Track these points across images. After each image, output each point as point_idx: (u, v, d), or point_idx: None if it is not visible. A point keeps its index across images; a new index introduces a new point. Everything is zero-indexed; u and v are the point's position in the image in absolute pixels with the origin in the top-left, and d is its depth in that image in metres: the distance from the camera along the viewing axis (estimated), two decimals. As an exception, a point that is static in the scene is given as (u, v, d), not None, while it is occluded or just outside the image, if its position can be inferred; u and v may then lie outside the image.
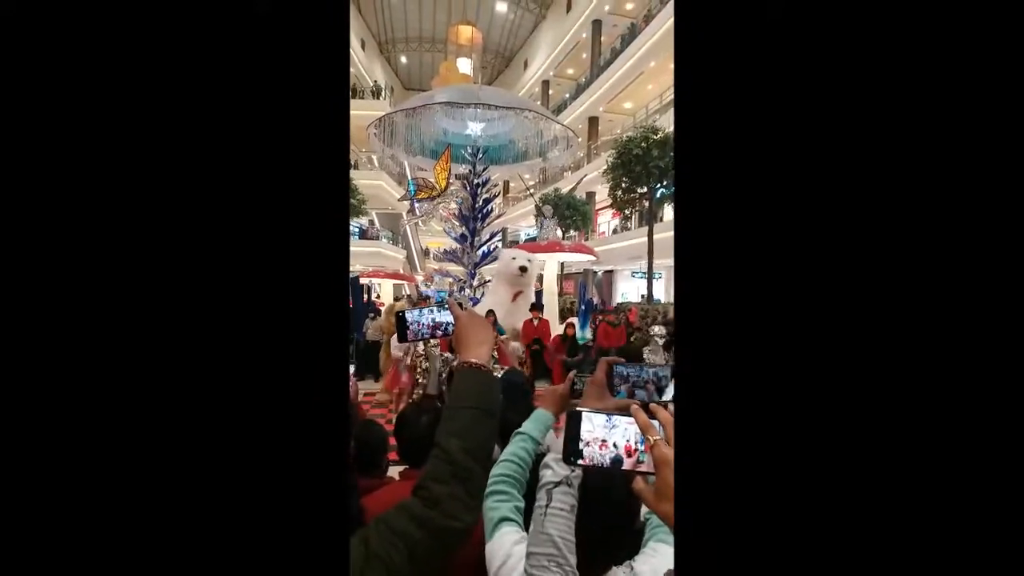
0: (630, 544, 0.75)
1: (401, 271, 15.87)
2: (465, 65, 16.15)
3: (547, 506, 0.68)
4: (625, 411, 0.76)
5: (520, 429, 0.90)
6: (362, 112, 13.01)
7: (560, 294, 11.65)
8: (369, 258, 15.24)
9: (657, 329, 4.04)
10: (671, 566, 0.68)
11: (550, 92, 21.70)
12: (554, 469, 0.72)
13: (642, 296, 11.07)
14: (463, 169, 7.32)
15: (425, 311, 0.76)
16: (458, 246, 7.53)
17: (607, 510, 0.72)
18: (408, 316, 0.76)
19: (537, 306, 4.86)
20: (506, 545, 0.75)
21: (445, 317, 0.76)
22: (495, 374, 0.80)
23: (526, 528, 0.77)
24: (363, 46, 21.59)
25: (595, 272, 16.79)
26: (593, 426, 0.54)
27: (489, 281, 7.73)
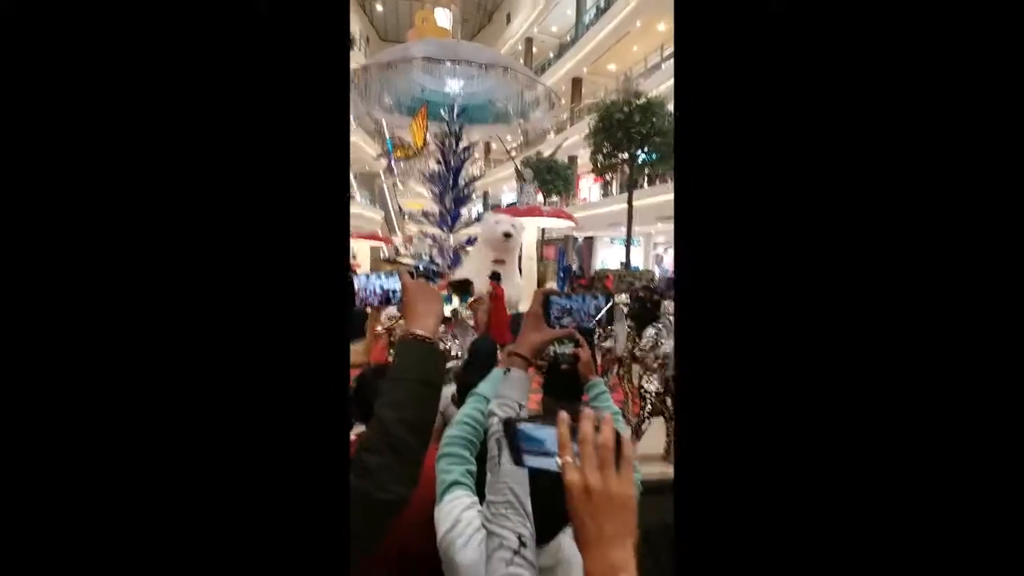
0: None
1: (379, 232, 15.59)
2: (444, 17, 15.41)
3: (500, 455, 0.67)
4: (564, 340, 0.77)
5: (475, 390, 0.90)
6: (336, 65, 12.29)
7: (541, 259, 11.64)
8: (346, 219, 14.86)
9: (622, 297, 4.07)
10: None
11: (533, 50, 20.99)
12: (499, 416, 0.70)
13: (621, 263, 11.15)
14: (442, 128, 7.11)
15: (373, 277, 0.74)
16: (436, 208, 7.39)
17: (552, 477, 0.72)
18: (356, 282, 0.74)
19: (494, 276, 4.85)
20: (455, 510, 0.75)
21: (393, 284, 0.73)
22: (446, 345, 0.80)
23: (478, 491, 0.78)
24: (337, -8, 20.29)
25: (576, 238, 16.82)
26: (529, 435, 0.54)
27: (469, 243, 7.65)
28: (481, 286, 4.60)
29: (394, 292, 0.73)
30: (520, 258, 7.72)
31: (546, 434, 0.52)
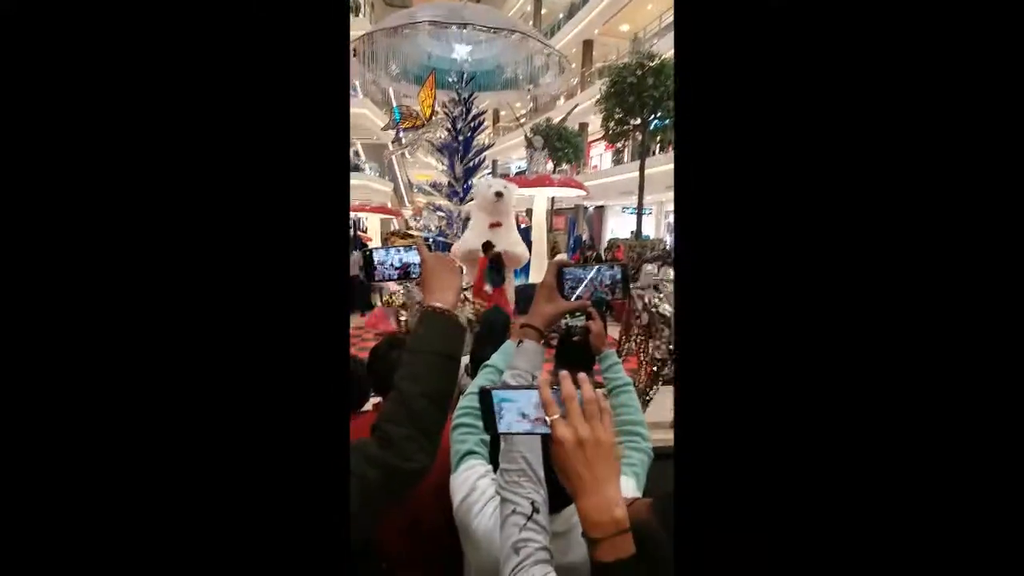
0: None
1: (389, 205, 15.50)
2: (451, -22, 14.82)
3: None
4: (579, 312, 0.77)
5: (488, 362, 0.91)
6: (340, 31, 11.95)
7: (550, 230, 11.53)
8: (354, 191, 14.77)
9: (649, 268, 4.03)
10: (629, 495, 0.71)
11: (543, 11, 20.21)
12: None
13: (631, 232, 11.02)
14: (451, 96, 6.94)
15: (392, 251, 0.75)
16: (445, 179, 7.30)
17: None
18: (375, 256, 0.75)
19: (486, 246, 4.77)
20: (471, 479, 0.77)
21: (412, 257, 0.75)
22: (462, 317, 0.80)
23: (491, 459, 0.80)
24: (339, -46, 19.51)
25: (586, 208, 16.59)
26: (507, 401, 0.54)
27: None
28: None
29: (414, 265, 0.74)
30: (529, 229, 7.64)
31: (520, 399, 0.53)
